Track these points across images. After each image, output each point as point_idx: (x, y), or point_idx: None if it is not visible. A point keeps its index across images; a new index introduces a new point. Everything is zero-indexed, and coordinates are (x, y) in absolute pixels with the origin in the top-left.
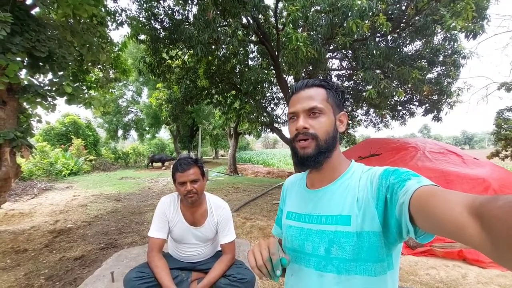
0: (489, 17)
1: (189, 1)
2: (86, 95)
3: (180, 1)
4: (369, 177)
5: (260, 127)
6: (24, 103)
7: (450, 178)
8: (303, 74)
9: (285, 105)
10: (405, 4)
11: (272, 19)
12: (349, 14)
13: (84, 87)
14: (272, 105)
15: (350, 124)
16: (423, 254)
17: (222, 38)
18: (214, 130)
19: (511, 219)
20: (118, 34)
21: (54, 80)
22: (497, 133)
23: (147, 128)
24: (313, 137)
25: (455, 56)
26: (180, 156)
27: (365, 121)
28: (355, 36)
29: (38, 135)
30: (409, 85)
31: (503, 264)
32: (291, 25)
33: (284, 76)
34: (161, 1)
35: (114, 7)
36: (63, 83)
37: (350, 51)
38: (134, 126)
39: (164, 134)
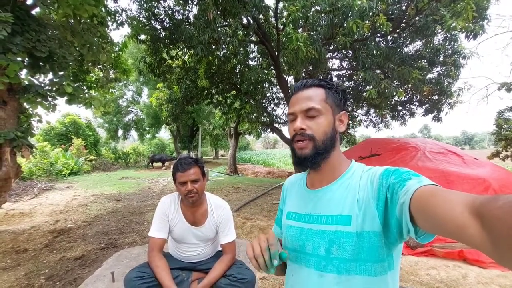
0: (489, 17)
1: (190, 1)
2: (87, 95)
3: (181, 1)
4: (370, 177)
5: (260, 127)
6: (25, 103)
7: (451, 178)
8: (303, 74)
9: (285, 105)
10: (406, 4)
11: (273, 19)
12: (350, 14)
13: (85, 87)
14: (272, 105)
15: (350, 124)
16: (424, 254)
17: (222, 38)
18: (214, 130)
19: (511, 219)
20: (118, 34)
21: (55, 80)
22: (498, 133)
23: (147, 128)
24: (310, 138)
25: (456, 56)
26: (180, 156)
27: (365, 121)
28: (356, 36)
29: (39, 135)
30: (410, 85)
31: (503, 264)
32: (291, 25)
33: (284, 76)
34: (162, 1)
35: (115, 7)
36: (64, 83)
37: (350, 51)
38: (134, 126)
39: (164, 134)
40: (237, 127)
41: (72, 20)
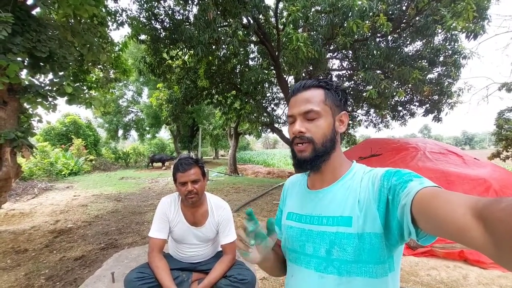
0: (489, 17)
1: (190, 1)
2: (87, 95)
3: (181, 1)
4: (371, 178)
5: (260, 127)
6: (25, 103)
7: (451, 179)
8: (303, 74)
9: (286, 105)
10: (406, 4)
11: (273, 19)
12: (350, 15)
13: (85, 87)
14: (272, 105)
15: (351, 125)
16: (424, 255)
17: (222, 38)
18: (214, 130)
19: None
20: (118, 34)
21: (55, 80)
22: (498, 133)
23: (147, 128)
24: (309, 141)
25: (456, 56)
26: (180, 156)
27: (365, 121)
28: (356, 36)
29: (39, 135)
30: (410, 85)
31: (506, 266)
32: (291, 25)
33: (285, 76)
34: (162, 1)
35: (115, 7)
36: (64, 83)
37: (350, 51)
38: (135, 126)
39: (165, 134)
40: (237, 127)
41: (72, 20)
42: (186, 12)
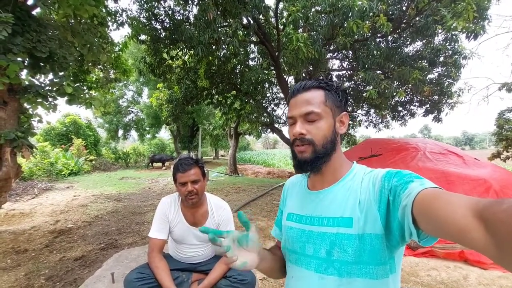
0: (490, 17)
1: (190, 2)
2: (87, 95)
3: (181, 2)
4: (371, 179)
5: (260, 128)
6: (25, 103)
7: (451, 179)
8: (303, 75)
9: (286, 106)
10: (406, 4)
11: (273, 20)
12: (350, 15)
13: (85, 87)
14: (272, 106)
15: (351, 125)
16: (424, 255)
17: (222, 38)
18: (214, 130)
19: None
20: (118, 34)
21: (55, 80)
22: (499, 133)
23: (147, 128)
24: (309, 143)
25: (456, 56)
26: (180, 156)
27: (365, 121)
28: (356, 36)
29: (39, 135)
30: (410, 85)
31: (507, 267)
32: (291, 26)
33: (285, 76)
34: (162, 2)
35: (115, 7)
36: (64, 83)
37: (350, 52)
38: (135, 126)
39: (165, 134)
40: (237, 127)
41: (73, 21)
42: (186, 12)
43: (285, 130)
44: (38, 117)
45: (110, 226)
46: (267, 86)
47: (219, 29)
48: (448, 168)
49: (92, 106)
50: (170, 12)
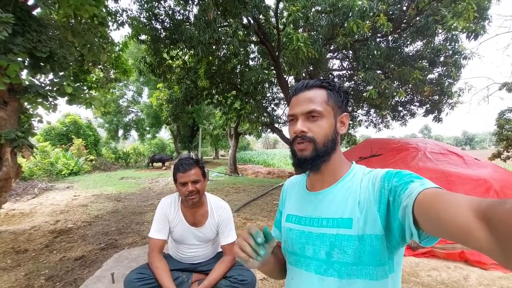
0: (490, 17)
1: (190, 2)
2: (87, 95)
3: (181, 2)
4: (371, 180)
5: (260, 127)
6: (25, 103)
7: (451, 179)
8: (303, 75)
9: (286, 105)
10: (406, 4)
11: (273, 19)
12: (350, 15)
13: (85, 87)
14: (272, 105)
15: (351, 125)
16: (424, 255)
17: (222, 38)
18: (214, 130)
19: None
20: (119, 34)
21: (55, 80)
22: (499, 133)
23: (147, 128)
24: (310, 141)
25: (456, 56)
26: (180, 156)
27: (365, 121)
28: (356, 36)
29: (39, 135)
30: (410, 85)
31: (510, 268)
32: (291, 25)
33: (285, 76)
34: (162, 2)
35: (115, 7)
36: (64, 83)
37: (350, 52)
38: (135, 126)
39: (165, 134)
40: (237, 127)
41: (73, 21)
42: (187, 12)
43: (285, 130)
44: (38, 117)
45: (110, 226)
46: (267, 86)
47: (219, 29)
48: (449, 168)
49: (92, 106)
50: (170, 12)
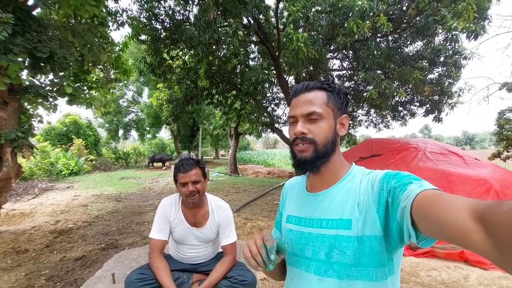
0: (490, 17)
1: (190, 2)
2: (87, 95)
3: (181, 2)
4: (370, 181)
5: (260, 127)
6: (25, 104)
7: (452, 179)
8: (303, 75)
9: (286, 105)
10: (406, 4)
11: (273, 20)
12: (350, 15)
13: (85, 87)
14: (272, 105)
15: (351, 125)
16: (424, 255)
17: (222, 38)
18: (214, 130)
19: None
20: (119, 34)
21: (55, 80)
22: (499, 133)
23: (147, 128)
24: (310, 142)
25: (456, 56)
26: (181, 156)
27: (365, 121)
28: (356, 36)
29: (39, 135)
30: (410, 85)
31: (507, 270)
32: (292, 26)
33: (285, 76)
34: (162, 2)
35: (115, 7)
36: (64, 84)
37: (351, 52)
38: (135, 126)
39: (165, 134)
40: (238, 127)
41: (73, 21)
42: (187, 12)
43: (285, 130)
44: (38, 117)
45: (110, 226)
46: (267, 86)
47: (219, 29)
48: (449, 168)
49: (93, 106)
50: (170, 12)
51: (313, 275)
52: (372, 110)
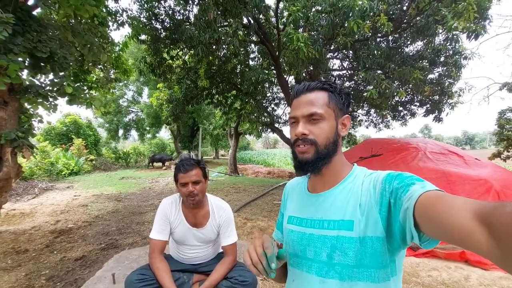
0: (490, 17)
1: (190, 1)
2: (87, 95)
3: (181, 1)
4: (372, 182)
5: (260, 127)
6: (25, 104)
7: (452, 179)
8: (303, 75)
9: (286, 105)
10: (406, 4)
11: (273, 19)
12: (350, 14)
13: (85, 87)
14: (272, 105)
15: (351, 124)
16: (425, 256)
17: (223, 38)
18: (214, 130)
19: None
20: (119, 34)
21: (55, 80)
22: (499, 133)
23: (147, 128)
24: (312, 143)
25: (457, 56)
26: (181, 156)
27: (366, 121)
28: (356, 36)
29: (39, 135)
30: (410, 85)
31: (510, 271)
32: (292, 25)
33: (285, 76)
34: (162, 1)
35: (115, 7)
36: (64, 84)
37: (351, 52)
38: (135, 126)
39: (165, 134)
40: (238, 127)
41: (73, 21)
42: (187, 12)
43: (285, 130)
44: (38, 117)
45: (110, 226)
46: (267, 86)
47: (219, 29)
48: (449, 168)
49: (93, 106)
50: (170, 12)
51: (314, 276)
52: (372, 110)
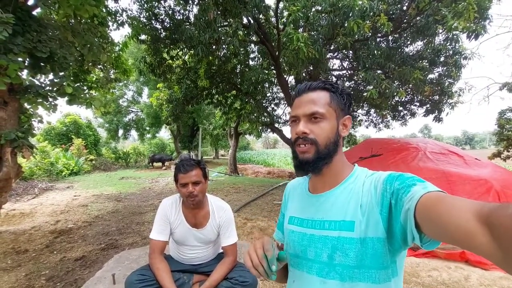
0: (491, 17)
1: (190, 1)
2: (87, 95)
3: (181, 1)
4: (373, 182)
5: (260, 127)
6: (25, 104)
7: (452, 179)
8: (303, 74)
9: (286, 105)
10: (407, 4)
11: (273, 19)
12: (350, 14)
13: (85, 87)
14: (272, 105)
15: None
16: (425, 256)
17: (222, 38)
18: (214, 130)
19: None
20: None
21: (55, 80)
22: (499, 133)
23: (147, 128)
24: (312, 142)
25: (457, 56)
26: (181, 156)
27: (366, 121)
28: (356, 36)
29: (39, 135)
30: (410, 85)
31: (511, 273)
32: (292, 25)
33: (285, 76)
34: (162, 1)
35: (115, 7)
36: (64, 84)
37: (351, 51)
38: (135, 126)
39: (165, 134)
40: (237, 127)
41: (73, 21)
42: (187, 12)
43: (285, 129)
44: (38, 117)
45: (110, 226)
46: (267, 86)
47: (219, 29)
48: (449, 168)
49: (92, 106)
50: (170, 12)
51: (315, 277)
52: (372, 110)
